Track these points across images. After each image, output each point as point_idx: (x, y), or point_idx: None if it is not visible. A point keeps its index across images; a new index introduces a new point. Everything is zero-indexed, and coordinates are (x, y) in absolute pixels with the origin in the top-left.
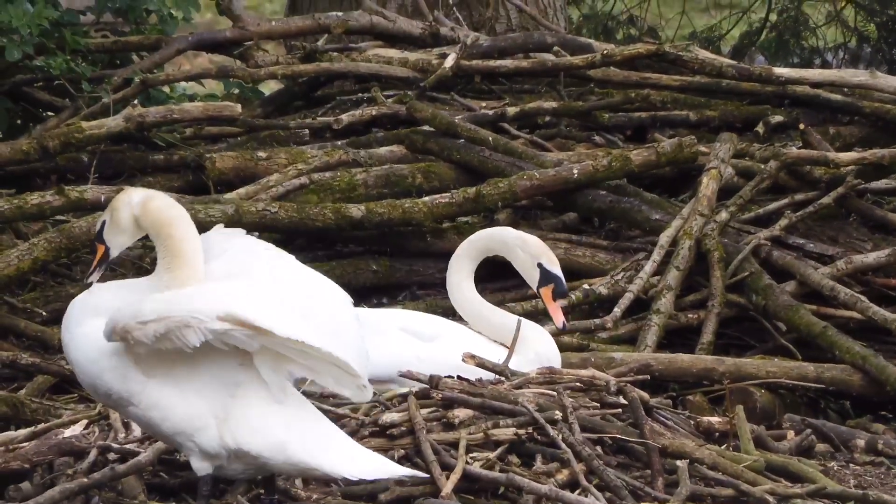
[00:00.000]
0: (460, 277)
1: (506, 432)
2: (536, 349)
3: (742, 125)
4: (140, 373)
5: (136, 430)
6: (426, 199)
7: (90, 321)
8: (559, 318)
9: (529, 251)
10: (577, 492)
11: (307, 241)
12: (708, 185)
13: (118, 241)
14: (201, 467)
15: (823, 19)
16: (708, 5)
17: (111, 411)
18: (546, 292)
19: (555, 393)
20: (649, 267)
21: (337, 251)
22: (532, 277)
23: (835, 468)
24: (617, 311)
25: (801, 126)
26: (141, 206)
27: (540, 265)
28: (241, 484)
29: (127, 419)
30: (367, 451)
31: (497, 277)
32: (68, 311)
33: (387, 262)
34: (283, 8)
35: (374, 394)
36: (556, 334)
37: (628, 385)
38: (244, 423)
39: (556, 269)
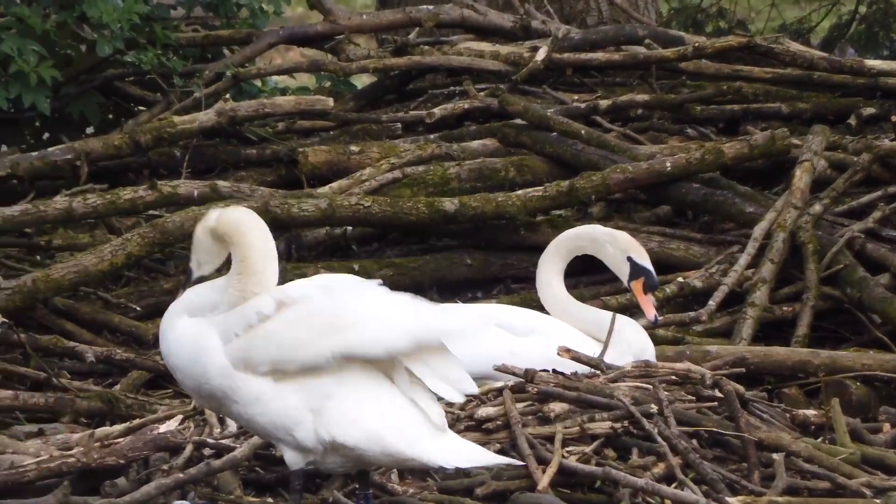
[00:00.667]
0: (549, 276)
1: (602, 426)
2: (630, 342)
3: (834, 117)
4: (240, 370)
5: (232, 426)
6: (519, 192)
7: (188, 322)
8: (650, 312)
9: (619, 246)
10: (674, 485)
11: (400, 235)
12: (801, 178)
13: (204, 260)
14: (294, 461)
15: None
16: None
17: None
18: (637, 286)
19: (650, 386)
20: (743, 260)
21: (431, 245)
22: (622, 272)
23: None
24: (712, 304)
25: (894, 118)
26: (217, 219)
27: (630, 259)
28: (337, 479)
29: (225, 416)
30: (463, 440)
31: (591, 272)
32: (167, 315)
33: (481, 256)
34: (373, 2)
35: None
36: (649, 328)
37: (724, 378)
38: (340, 416)
39: (646, 263)
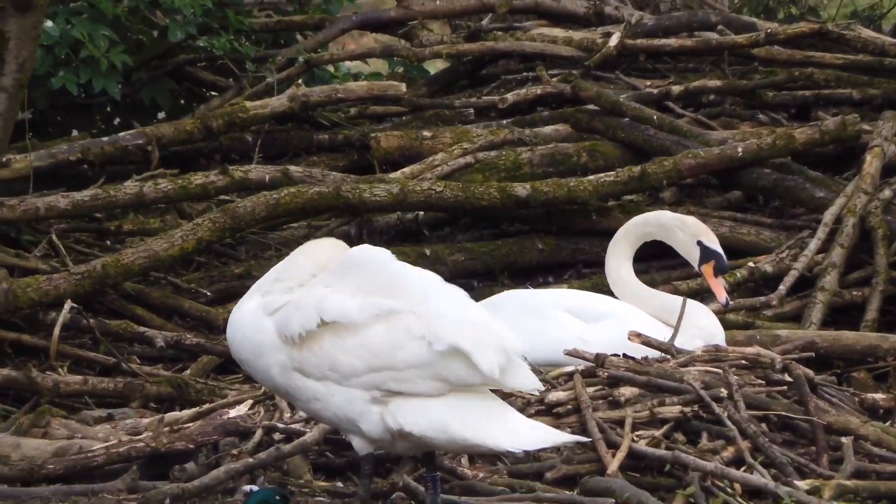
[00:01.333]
0: (619, 262)
1: (671, 410)
2: (700, 327)
3: None
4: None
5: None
6: (591, 177)
7: (256, 322)
8: (722, 295)
9: (688, 231)
10: (743, 469)
11: (472, 220)
12: (871, 163)
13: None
14: (362, 447)
15: None
16: None
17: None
18: (707, 269)
19: (720, 371)
20: (814, 244)
21: (502, 230)
22: (693, 256)
23: None
24: (782, 288)
25: None
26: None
27: (700, 243)
28: (407, 463)
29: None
30: (529, 421)
31: (662, 256)
32: (240, 310)
33: (552, 241)
34: None
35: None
36: (721, 312)
37: (793, 362)
38: (405, 406)
39: (716, 246)
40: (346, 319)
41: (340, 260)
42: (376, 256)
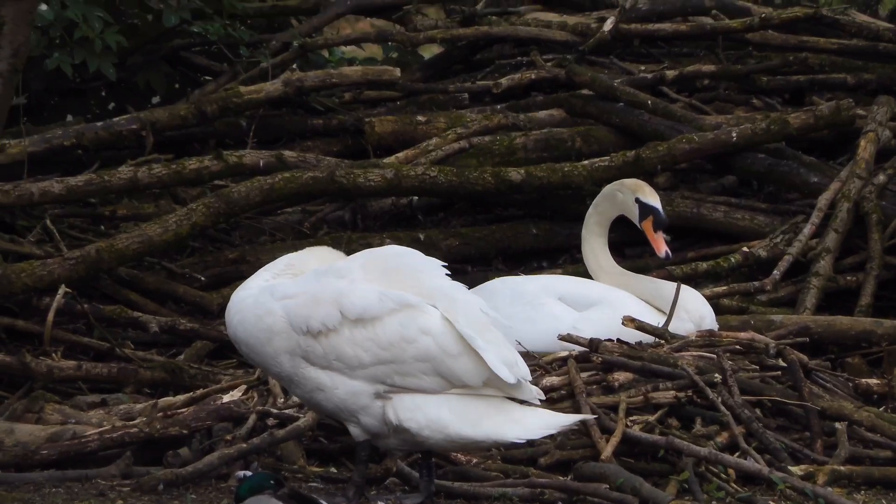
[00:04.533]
0: (594, 252)
1: (665, 395)
2: (689, 311)
3: None
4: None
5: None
6: (586, 162)
7: (265, 304)
8: (661, 248)
9: (627, 190)
10: (737, 454)
11: (466, 205)
12: (866, 148)
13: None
14: (359, 434)
15: None
16: None
17: (270, 377)
18: (647, 225)
19: (714, 356)
20: (808, 230)
21: (496, 215)
22: (634, 214)
23: None
24: (776, 273)
25: None
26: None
27: (637, 200)
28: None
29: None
30: (529, 409)
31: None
32: (241, 295)
33: (546, 226)
34: None
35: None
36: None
37: (787, 347)
38: (407, 401)
39: (654, 202)
40: (367, 316)
41: (369, 252)
42: (407, 253)
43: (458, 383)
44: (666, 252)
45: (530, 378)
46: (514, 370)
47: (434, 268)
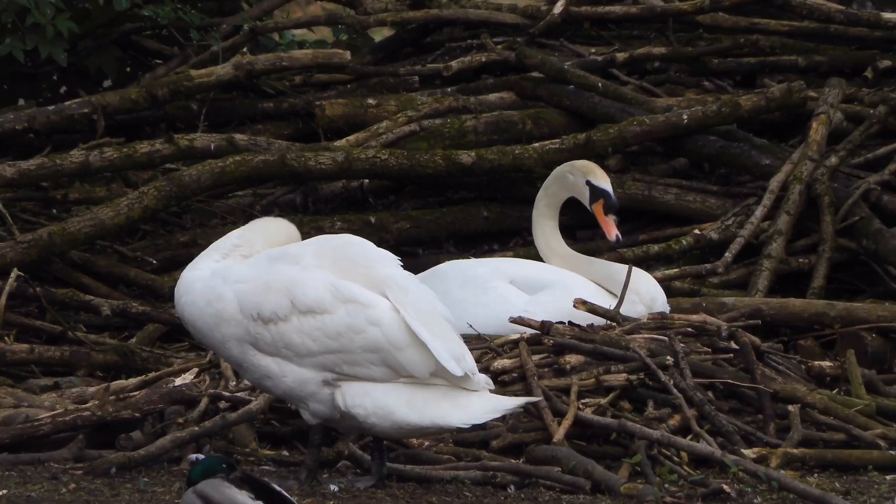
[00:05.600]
0: (545, 235)
1: (617, 378)
2: (640, 293)
3: (851, 70)
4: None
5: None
6: (536, 145)
7: (216, 289)
8: (612, 232)
9: (577, 172)
10: (689, 437)
11: (417, 188)
12: (817, 130)
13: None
14: (311, 418)
15: None
16: None
17: (222, 360)
18: (597, 208)
19: (666, 338)
20: (759, 212)
21: (447, 198)
22: (584, 197)
23: None
24: (728, 255)
25: None
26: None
27: (588, 182)
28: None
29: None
30: (476, 394)
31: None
32: (192, 276)
33: (497, 209)
34: None
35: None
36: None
37: (739, 330)
38: (355, 388)
39: (605, 185)
40: (319, 309)
41: (324, 239)
42: (360, 243)
43: (406, 374)
44: (616, 236)
45: (477, 370)
46: (462, 363)
47: (387, 258)
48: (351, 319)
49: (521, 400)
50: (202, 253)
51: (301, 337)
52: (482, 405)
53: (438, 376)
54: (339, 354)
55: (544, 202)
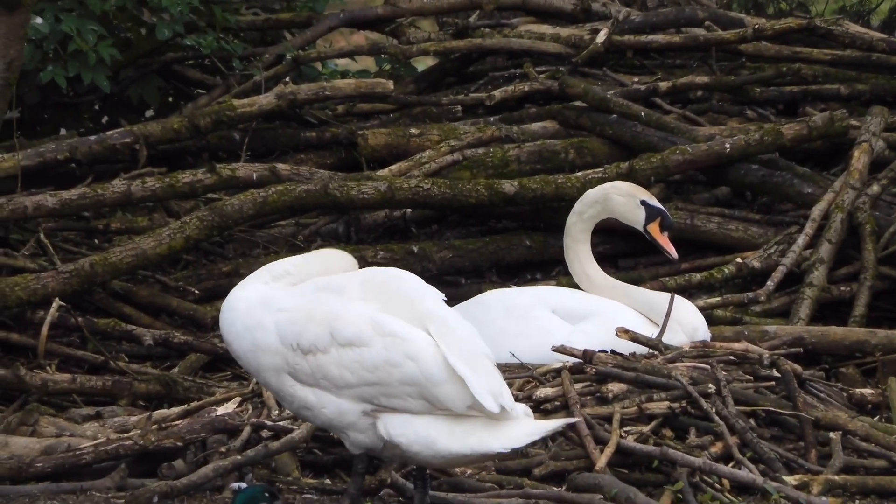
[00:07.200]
0: (580, 262)
1: (659, 406)
2: (682, 322)
3: (892, 98)
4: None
5: None
6: (579, 174)
7: (257, 316)
8: (672, 251)
9: (626, 194)
10: (731, 464)
11: (460, 218)
12: (859, 159)
13: None
14: (355, 447)
15: None
16: None
17: (264, 389)
18: (654, 227)
19: (708, 366)
20: (801, 240)
21: (490, 227)
22: (637, 219)
23: None
24: (770, 284)
25: None
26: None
27: (644, 203)
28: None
29: None
30: (514, 420)
31: (649, 252)
32: (237, 294)
33: (540, 238)
34: None
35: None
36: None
37: (781, 358)
38: (396, 419)
39: (659, 204)
40: (358, 342)
41: (371, 271)
42: (406, 277)
43: (443, 408)
44: (675, 254)
45: (514, 405)
46: (499, 399)
47: (432, 294)
48: (388, 353)
49: (560, 422)
50: (254, 272)
51: (339, 369)
52: (522, 430)
53: (475, 410)
54: (377, 387)
55: (578, 227)
